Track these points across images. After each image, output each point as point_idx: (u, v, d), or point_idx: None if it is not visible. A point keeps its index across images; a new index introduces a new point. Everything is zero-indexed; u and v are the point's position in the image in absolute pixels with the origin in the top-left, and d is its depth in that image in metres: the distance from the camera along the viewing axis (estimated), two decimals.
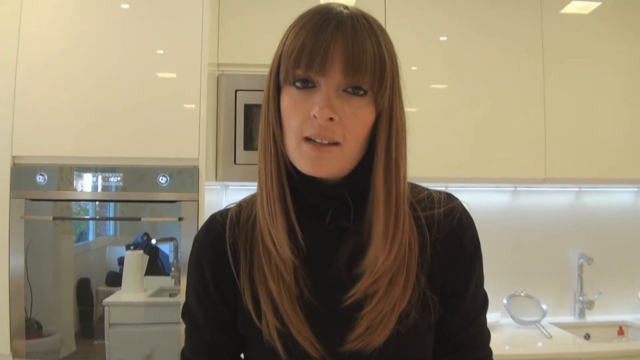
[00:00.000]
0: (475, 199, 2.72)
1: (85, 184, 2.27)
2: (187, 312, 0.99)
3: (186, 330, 1.00)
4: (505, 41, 2.57)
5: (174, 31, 2.28)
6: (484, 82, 2.56)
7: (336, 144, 0.83)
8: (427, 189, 0.98)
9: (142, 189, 2.26)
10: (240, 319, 0.94)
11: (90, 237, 2.43)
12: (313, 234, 0.90)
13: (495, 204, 2.85)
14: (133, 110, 2.25)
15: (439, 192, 0.98)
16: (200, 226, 1.07)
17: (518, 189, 2.83)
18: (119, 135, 2.24)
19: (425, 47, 2.55)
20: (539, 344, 2.39)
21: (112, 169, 2.25)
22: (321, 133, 0.82)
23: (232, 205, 0.99)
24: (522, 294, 2.73)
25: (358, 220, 0.90)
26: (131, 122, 2.24)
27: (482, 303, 1.00)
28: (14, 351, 2.22)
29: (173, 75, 2.27)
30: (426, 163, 2.46)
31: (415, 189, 0.97)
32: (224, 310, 0.95)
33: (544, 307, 2.70)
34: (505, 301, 2.70)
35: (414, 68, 2.52)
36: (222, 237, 0.94)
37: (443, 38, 2.58)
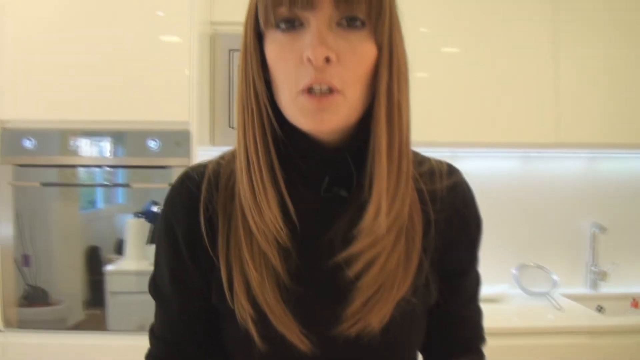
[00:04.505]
0: (483, 165, 2.68)
1: (75, 148, 2.18)
2: (154, 285, 0.89)
3: (155, 305, 0.89)
4: None
5: None
6: (493, 42, 2.42)
7: (337, 91, 0.71)
8: (428, 158, 0.88)
9: (131, 154, 2.17)
10: (214, 292, 0.83)
11: (99, 205, 2.38)
12: (305, 204, 0.79)
13: (505, 170, 2.72)
14: (121, 73, 2.15)
15: (440, 162, 0.88)
16: None
17: (528, 154, 2.70)
18: (107, 99, 2.14)
19: (434, 8, 2.41)
20: (549, 316, 2.29)
21: (100, 133, 2.16)
22: (318, 77, 0.70)
23: (208, 161, 0.87)
24: (532, 264, 2.63)
25: (358, 188, 0.78)
26: (119, 85, 2.14)
27: (479, 278, 0.94)
28: (6, 321, 2.17)
29: (164, 35, 2.16)
30: (433, 127, 2.36)
31: (416, 157, 0.86)
32: (198, 279, 0.84)
33: (555, 277, 2.60)
34: (514, 271, 2.59)
35: (423, 30, 2.39)
36: (197, 198, 0.82)
37: None
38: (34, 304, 2.24)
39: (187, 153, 2.12)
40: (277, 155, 0.77)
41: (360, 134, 0.77)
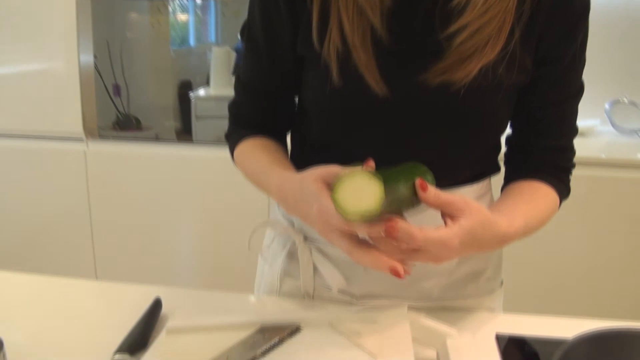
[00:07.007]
0: None
1: None
2: (248, 31, 0.93)
3: (244, 51, 0.94)
4: None
5: None
6: None
7: None
8: None
9: None
10: (301, 35, 0.87)
11: (192, 42, 2.48)
12: None
13: None
14: None
15: None
16: None
17: None
18: None
19: None
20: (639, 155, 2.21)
21: None
22: None
23: None
24: (626, 101, 2.49)
25: None
26: None
27: (578, 88, 0.93)
28: (87, 131, 2.35)
29: None
30: None
31: None
32: (288, 21, 0.87)
33: None
34: (607, 106, 2.47)
35: None
36: None
37: None
38: (126, 129, 2.42)
39: None
40: None
41: None
